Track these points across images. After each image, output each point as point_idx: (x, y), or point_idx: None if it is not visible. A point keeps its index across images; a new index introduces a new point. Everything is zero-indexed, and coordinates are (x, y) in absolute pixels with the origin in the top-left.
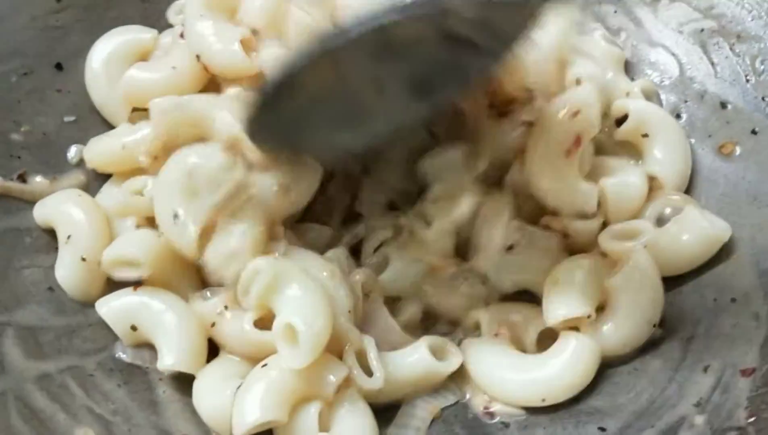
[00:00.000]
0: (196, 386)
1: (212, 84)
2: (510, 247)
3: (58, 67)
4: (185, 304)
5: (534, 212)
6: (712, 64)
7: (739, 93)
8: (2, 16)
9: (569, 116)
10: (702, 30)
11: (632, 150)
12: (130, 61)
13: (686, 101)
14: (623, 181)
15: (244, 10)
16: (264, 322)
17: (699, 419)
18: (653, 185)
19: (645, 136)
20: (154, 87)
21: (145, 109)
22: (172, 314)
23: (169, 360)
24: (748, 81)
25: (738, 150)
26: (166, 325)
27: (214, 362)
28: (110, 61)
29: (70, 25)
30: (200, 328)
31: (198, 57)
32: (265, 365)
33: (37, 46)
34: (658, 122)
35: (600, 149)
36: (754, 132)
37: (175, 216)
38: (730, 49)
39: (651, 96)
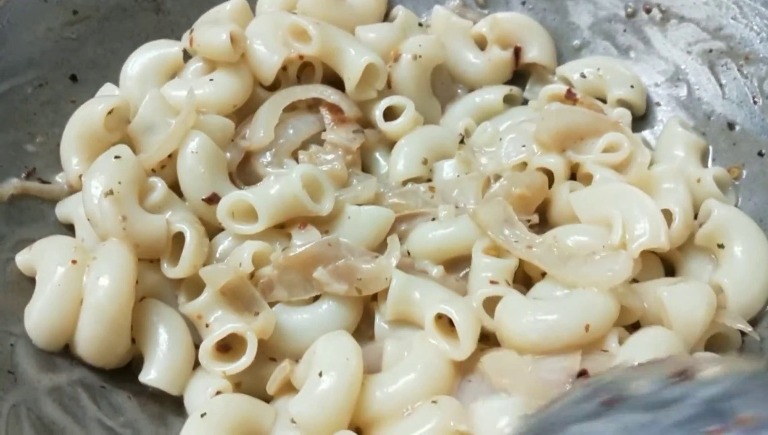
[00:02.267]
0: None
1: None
2: None
3: (73, 78)
4: (180, 319)
5: None
6: (720, 85)
7: (747, 115)
8: (19, 29)
9: None
10: (710, 51)
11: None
12: (162, 76)
13: (694, 121)
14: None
15: None
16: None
17: None
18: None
19: (720, 246)
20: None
21: None
22: (163, 329)
23: (152, 374)
24: (755, 102)
25: (744, 173)
26: (159, 340)
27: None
28: (144, 79)
29: (85, 37)
30: (188, 347)
31: (191, 31)
32: None
33: (53, 58)
34: (737, 233)
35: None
36: (760, 154)
37: None
38: (738, 70)
39: (724, 185)
